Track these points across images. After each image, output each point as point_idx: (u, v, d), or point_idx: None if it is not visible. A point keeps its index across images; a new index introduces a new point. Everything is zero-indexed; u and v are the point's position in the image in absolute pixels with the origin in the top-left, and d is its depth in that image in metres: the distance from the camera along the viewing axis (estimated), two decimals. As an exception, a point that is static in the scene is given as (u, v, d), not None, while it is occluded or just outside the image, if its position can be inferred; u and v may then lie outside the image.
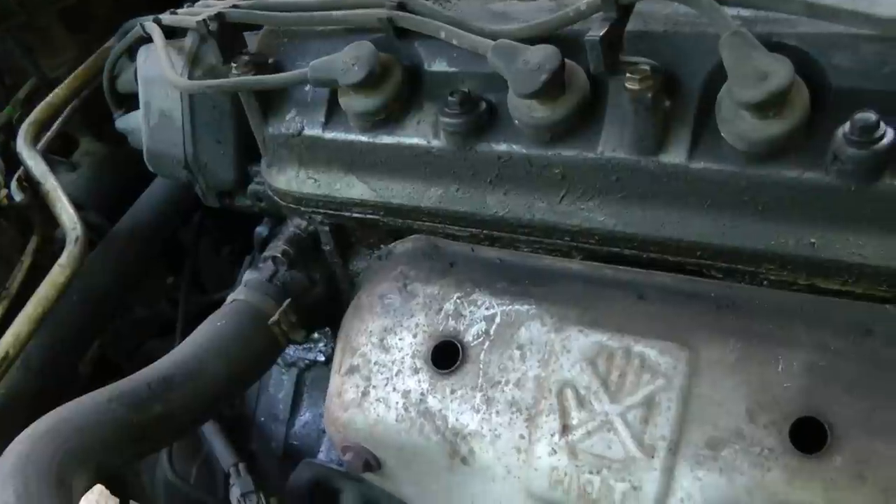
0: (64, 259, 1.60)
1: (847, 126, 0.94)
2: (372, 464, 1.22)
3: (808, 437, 0.98)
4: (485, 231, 1.23)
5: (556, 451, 1.08)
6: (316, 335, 1.64)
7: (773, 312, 1.06)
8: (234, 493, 1.46)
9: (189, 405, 1.25)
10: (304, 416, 1.66)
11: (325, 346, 1.66)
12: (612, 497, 1.05)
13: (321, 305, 1.42)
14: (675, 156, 1.06)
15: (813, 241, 1.02)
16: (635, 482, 1.04)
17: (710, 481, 1.01)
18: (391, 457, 1.21)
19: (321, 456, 1.60)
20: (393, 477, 1.25)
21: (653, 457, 1.03)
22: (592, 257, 1.18)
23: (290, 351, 1.68)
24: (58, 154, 2.05)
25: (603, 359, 1.09)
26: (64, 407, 1.19)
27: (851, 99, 0.97)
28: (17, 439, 1.12)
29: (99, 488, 2.33)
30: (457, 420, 1.14)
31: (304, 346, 1.66)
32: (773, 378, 1.01)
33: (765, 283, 1.09)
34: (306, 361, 1.67)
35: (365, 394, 1.20)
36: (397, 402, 1.18)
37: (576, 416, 1.08)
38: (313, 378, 1.68)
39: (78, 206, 1.70)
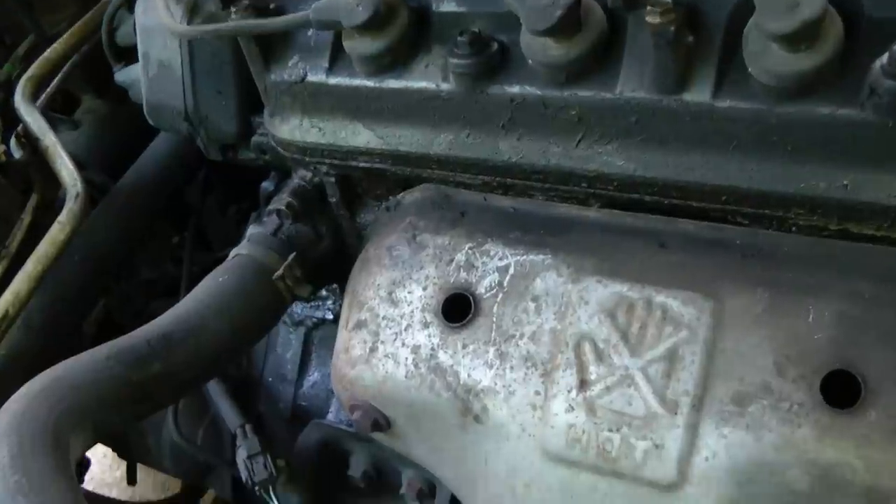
0: (64, 216, 1.55)
1: (885, 58, 0.88)
2: (381, 423, 1.17)
3: (841, 391, 0.93)
4: (497, 178, 1.17)
5: (573, 408, 1.03)
6: (324, 292, 1.59)
7: (803, 260, 1.00)
8: (241, 454, 1.42)
9: (190, 363, 1.21)
10: (313, 377, 1.61)
11: (334, 303, 1.60)
12: (632, 456, 1.00)
13: (328, 260, 1.37)
14: (698, 94, 1.00)
15: (846, 182, 0.96)
16: (657, 440, 0.99)
17: (736, 439, 0.95)
18: (401, 415, 1.16)
19: (330, 417, 1.55)
20: (403, 437, 1.20)
21: (676, 413, 0.98)
22: (611, 205, 1.12)
23: (298, 309, 1.63)
24: (60, 113, 2.01)
25: (622, 310, 1.03)
26: (60, 365, 1.15)
27: (888, 29, 0.90)
28: (12, 398, 1.08)
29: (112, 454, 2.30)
30: (469, 376, 1.09)
31: (312, 304, 1.61)
32: (802, 329, 0.96)
33: (793, 229, 1.03)
34: (314, 320, 1.62)
35: (373, 350, 1.15)
36: (406, 358, 1.13)
37: (594, 371, 1.02)
38: (321, 337, 1.63)
39: (80, 164, 1.66)
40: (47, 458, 1.03)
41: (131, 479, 2.03)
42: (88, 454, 2.18)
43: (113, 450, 1.93)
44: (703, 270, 1.03)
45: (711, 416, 0.97)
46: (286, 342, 1.63)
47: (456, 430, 1.11)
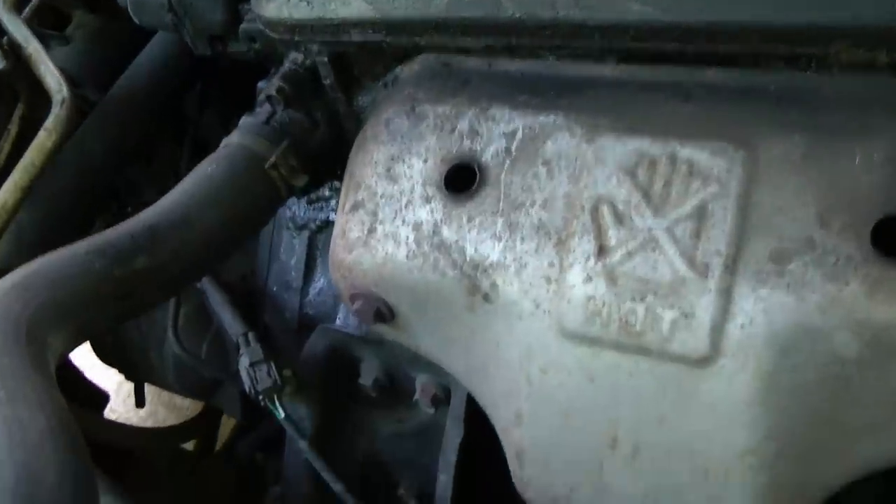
0: (50, 123, 1.46)
1: None
2: (384, 312, 1.07)
3: (894, 240, 0.82)
4: (501, 39, 1.05)
5: (591, 279, 0.92)
6: (326, 192, 1.49)
7: (847, 101, 0.89)
8: (243, 362, 1.33)
9: (178, 256, 1.11)
10: (319, 283, 1.51)
11: (338, 203, 1.50)
12: (659, 327, 0.89)
13: (325, 148, 1.26)
14: (723, -86, 0.88)
15: (898, 3, 0.83)
16: (686, 308, 0.88)
17: (775, 301, 0.85)
18: (404, 302, 1.06)
19: (338, 323, 1.46)
20: (408, 327, 1.10)
21: (706, 276, 0.87)
22: (628, 59, 1.00)
23: (301, 212, 1.53)
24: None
25: (644, 168, 0.92)
26: (36, 260, 1.07)
27: None
28: None
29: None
30: (476, 251, 0.99)
31: (315, 205, 1.51)
32: (848, 174, 0.84)
33: (835, 68, 0.91)
34: (318, 222, 1.52)
35: (371, 231, 1.05)
36: (408, 237, 1.02)
37: (613, 236, 0.92)
38: (326, 240, 1.53)
39: (74, 82, 1.57)
40: (21, 355, 0.94)
41: (139, 401, 1.97)
42: (108, 389, 2.13)
43: (119, 371, 1.86)
44: (734, 119, 0.91)
45: (747, 278, 0.86)
46: (289, 248, 1.53)
47: (464, 312, 1.01)
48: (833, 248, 0.83)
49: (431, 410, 1.34)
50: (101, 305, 1.06)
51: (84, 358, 2.01)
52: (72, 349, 1.07)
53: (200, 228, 1.14)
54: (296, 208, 1.52)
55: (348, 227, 1.07)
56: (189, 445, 2.19)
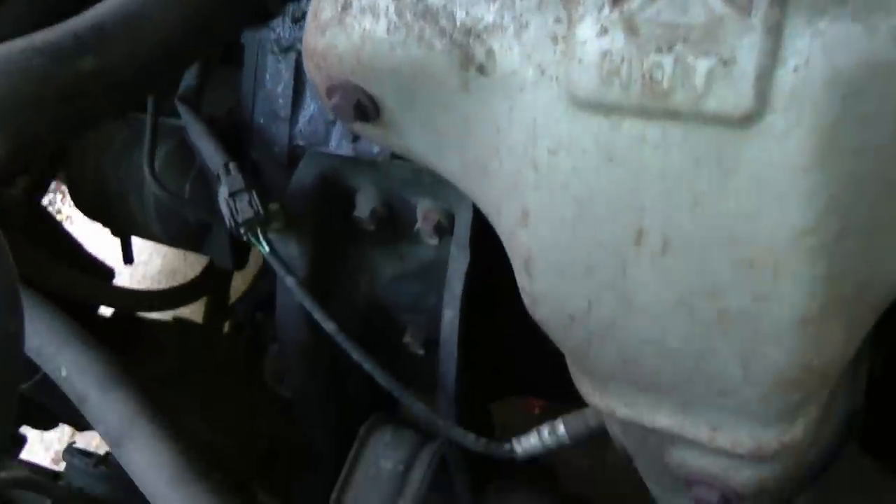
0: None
1: None
2: (365, 105, 0.91)
3: None
4: None
5: (606, 30, 0.75)
6: (313, 7, 1.32)
7: None
8: (222, 194, 1.18)
9: (132, 54, 0.97)
10: (309, 110, 1.35)
11: (326, 19, 1.33)
12: (691, 82, 0.72)
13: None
14: None
15: None
16: (725, 54, 0.70)
17: (837, 34, 0.67)
18: (388, 90, 0.90)
19: (331, 148, 1.30)
20: (395, 124, 0.94)
21: (750, 12, 0.69)
22: None
23: (286, 33, 1.36)
24: None
25: None
26: (-37, 60, 0.92)
27: None
28: None
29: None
30: (467, 14, 0.82)
31: (301, 23, 1.34)
32: None
33: None
34: (304, 42, 1.35)
35: (346, 6, 0.88)
36: (387, 7, 0.86)
37: (633, -24, 0.74)
38: (315, 62, 1.37)
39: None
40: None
41: (127, 257, 1.85)
42: (113, 264, 2.01)
43: (104, 224, 1.73)
44: None
45: (801, 9, 0.68)
46: (275, 74, 1.37)
47: (457, 94, 0.85)
48: (913, -40, 0.65)
49: (434, 242, 1.19)
50: (39, 107, 0.92)
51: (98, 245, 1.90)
52: (12, 158, 0.93)
53: (156, 24, 0.99)
54: (280, 29, 1.36)
55: (320, 6, 0.90)
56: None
